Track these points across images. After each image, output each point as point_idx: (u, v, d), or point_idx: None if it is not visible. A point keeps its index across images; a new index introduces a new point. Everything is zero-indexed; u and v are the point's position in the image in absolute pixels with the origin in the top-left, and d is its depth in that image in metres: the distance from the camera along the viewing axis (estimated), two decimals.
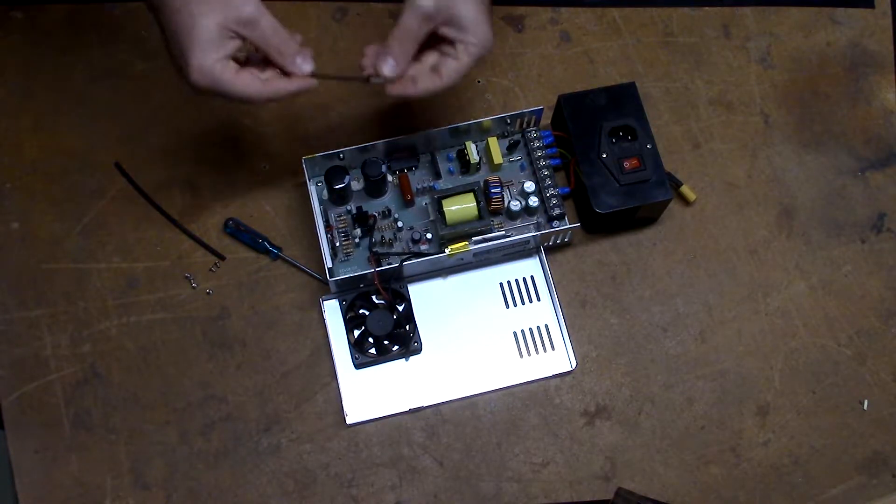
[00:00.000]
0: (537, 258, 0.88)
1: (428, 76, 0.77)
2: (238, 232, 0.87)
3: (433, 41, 0.76)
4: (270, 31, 0.71)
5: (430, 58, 0.78)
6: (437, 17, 0.74)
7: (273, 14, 0.94)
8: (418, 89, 0.76)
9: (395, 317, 0.83)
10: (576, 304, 0.87)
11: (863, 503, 0.82)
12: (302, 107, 0.92)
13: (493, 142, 0.88)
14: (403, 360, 0.85)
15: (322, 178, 0.85)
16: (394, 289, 0.85)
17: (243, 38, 0.71)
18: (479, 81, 0.94)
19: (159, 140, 0.90)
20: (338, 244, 0.85)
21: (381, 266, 0.82)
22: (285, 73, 0.74)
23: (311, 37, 0.95)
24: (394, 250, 0.86)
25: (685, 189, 0.90)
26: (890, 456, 0.84)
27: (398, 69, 0.75)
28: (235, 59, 0.72)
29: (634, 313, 0.87)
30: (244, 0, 0.70)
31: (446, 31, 0.75)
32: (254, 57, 0.75)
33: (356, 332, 0.84)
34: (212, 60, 0.69)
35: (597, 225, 0.88)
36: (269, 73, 0.74)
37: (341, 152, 0.85)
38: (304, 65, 0.73)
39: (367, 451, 0.82)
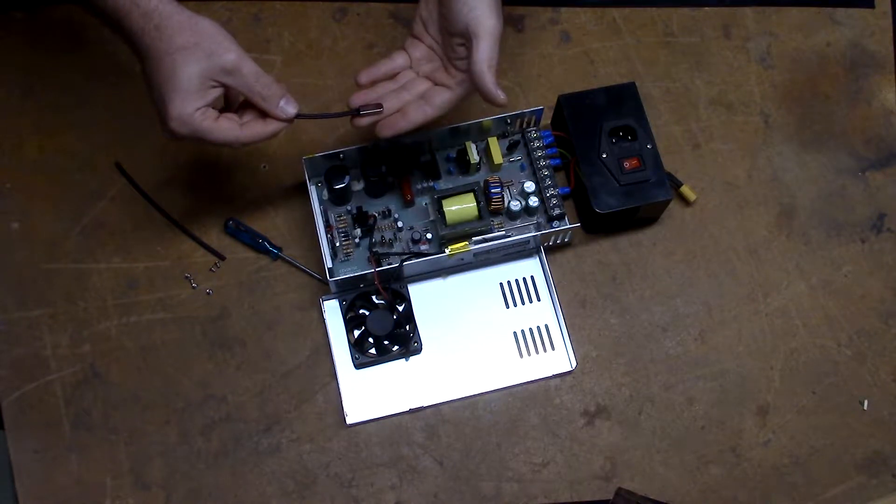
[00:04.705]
0: (537, 258, 0.88)
1: (418, 107, 0.77)
2: (238, 232, 0.87)
3: (431, 67, 0.77)
4: (253, 78, 0.71)
5: (421, 86, 0.78)
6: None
7: (274, 14, 0.96)
8: (409, 122, 0.76)
9: (395, 317, 0.83)
10: (576, 304, 0.87)
11: (863, 503, 0.82)
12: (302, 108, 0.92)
13: (493, 142, 0.88)
14: (403, 360, 0.85)
15: (322, 178, 0.85)
16: (394, 289, 0.85)
17: (225, 86, 0.71)
18: None
19: (159, 140, 0.89)
20: (338, 244, 0.85)
21: (381, 266, 0.82)
22: (264, 115, 0.74)
23: (311, 37, 0.95)
24: (394, 250, 0.86)
25: (685, 189, 0.90)
26: (890, 456, 0.84)
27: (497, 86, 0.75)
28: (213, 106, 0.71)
29: (634, 313, 0.87)
30: (226, 48, 0.70)
31: (462, 50, 0.76)
32: (232, 100, 0.75)
33: (356, 332, 0.84)
34: (192, 110, 0.69)
35: (597, 225, 0.88)
36: (247, 117, 0.74)
37: (341, 152, 0.85)
38: (289, 108, 0.73)
39: (367, 451, 0.82)
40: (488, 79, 0.74)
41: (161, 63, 0.69)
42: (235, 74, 0.70)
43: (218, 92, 0.71)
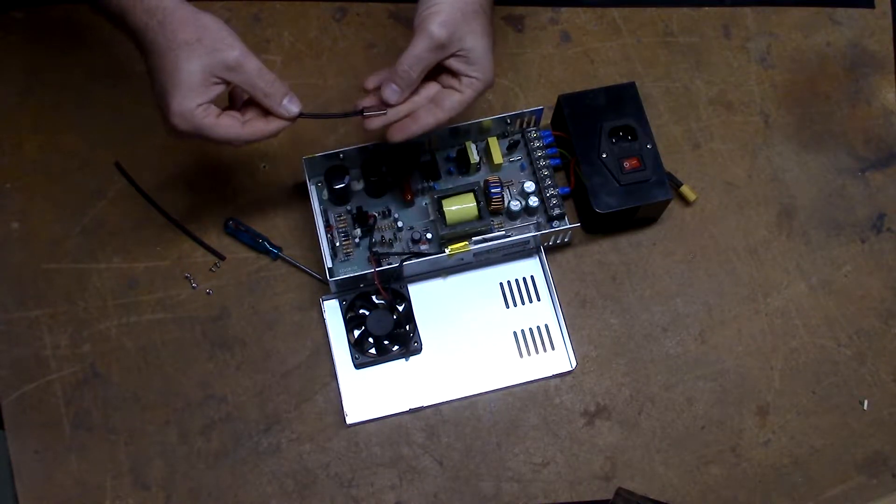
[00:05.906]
0: (537, 258, 0.88)
1: (429, 111, 0.76)
2: (238, 232, 0.87)
3: (433, 72, 0.75)
4: (256, 75, 0.70)
5: (430, 89, 0.77)
6: (449, 48, 0.73)
7: (274, 14, 0.96)
8: (420, 126, 0.75)
9: (395, 317, 0.83)
10: (576, 304, 0.87)
11: (863, 503, 0.82)
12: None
13: (493, 142, 0.88)
14: (403, 360, 0.85)
15: (322, 178, 0.85)
16: (394, 289, 0.85)
17: (228, 83, 0.70)
18: None
19: (159, 140, 0.90)
20: (338, 244, 0.85)
21: (381, 266, 0.82)
22: (267, 113, 0.73)
23: (311, 37, 0.95)
24: (394, 250, 0.86)
25: (685, 189, 0.91)
26: (890, 456, 0.84)
27: (402, 96, 0.74)
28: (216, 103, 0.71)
29: (634, 313, 0.87)
30: (229, 45, 0.69)
31: (454, 63, 0.74)
32: (236, 98, 0.74)
33: (356, 332, 0.84)
34: (193, 106, 0.69)
35: (597, 225, 0.88)
36: (249, 115, 0.73)
37: (341, 152, 0.85)
38: (292, 106, 0.73)
39: (367, 451, 0.82)
40: (391, 75, 0.72)
41: (164, 58, 0.68)
42: (238, 71, 0.70)
43: (220, 89, 0.70)
